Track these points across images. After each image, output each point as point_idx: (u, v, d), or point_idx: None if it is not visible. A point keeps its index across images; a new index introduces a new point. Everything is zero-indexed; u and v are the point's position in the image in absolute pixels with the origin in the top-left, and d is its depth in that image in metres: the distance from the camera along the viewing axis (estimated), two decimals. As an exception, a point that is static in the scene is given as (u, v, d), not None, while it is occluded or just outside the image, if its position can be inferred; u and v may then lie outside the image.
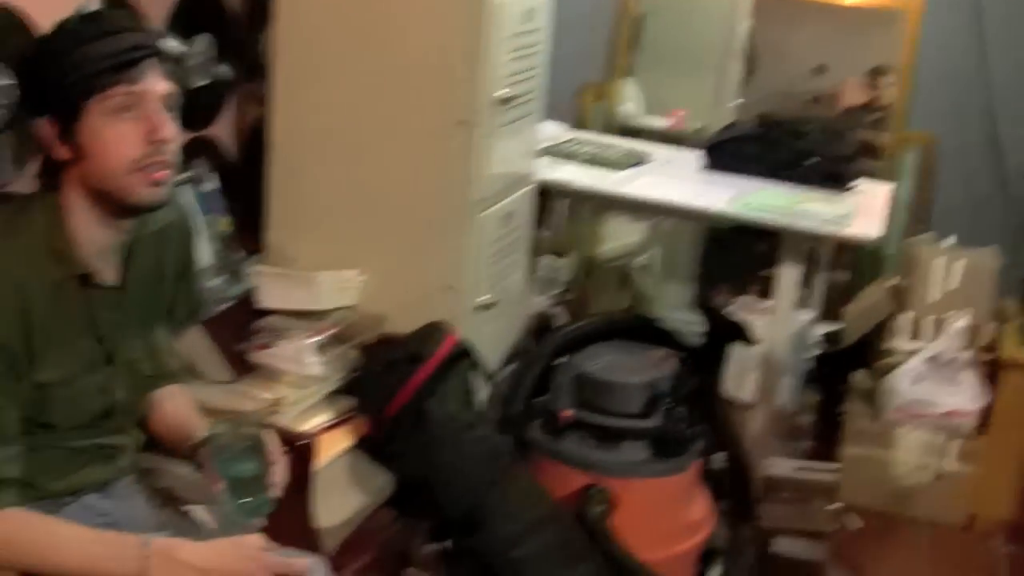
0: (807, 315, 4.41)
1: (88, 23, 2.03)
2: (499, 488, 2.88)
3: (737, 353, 3.66)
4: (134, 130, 1.98)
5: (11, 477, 1.96)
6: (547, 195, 3.73)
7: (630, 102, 5.05)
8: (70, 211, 2.04)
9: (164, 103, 2.02)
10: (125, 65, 1.96)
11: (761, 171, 4.06)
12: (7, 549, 1.94)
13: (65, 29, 2.04)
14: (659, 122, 5.03)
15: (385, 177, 3.13)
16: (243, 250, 3.31)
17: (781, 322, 3.80)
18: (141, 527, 2.19)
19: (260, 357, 2.91)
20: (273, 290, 3.11)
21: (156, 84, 2.00)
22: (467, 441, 2.88)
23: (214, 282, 3.08)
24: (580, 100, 4.93)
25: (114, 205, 2.03)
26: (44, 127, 2.02)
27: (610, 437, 3.16)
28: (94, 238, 2.06)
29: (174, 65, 2.14)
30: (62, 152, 2.01)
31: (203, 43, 3.30)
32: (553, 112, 3.58)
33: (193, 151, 3.22)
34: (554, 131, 4.13)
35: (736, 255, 4.64)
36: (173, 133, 2.03)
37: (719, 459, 3.49)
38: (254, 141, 3.57)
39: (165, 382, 2.37)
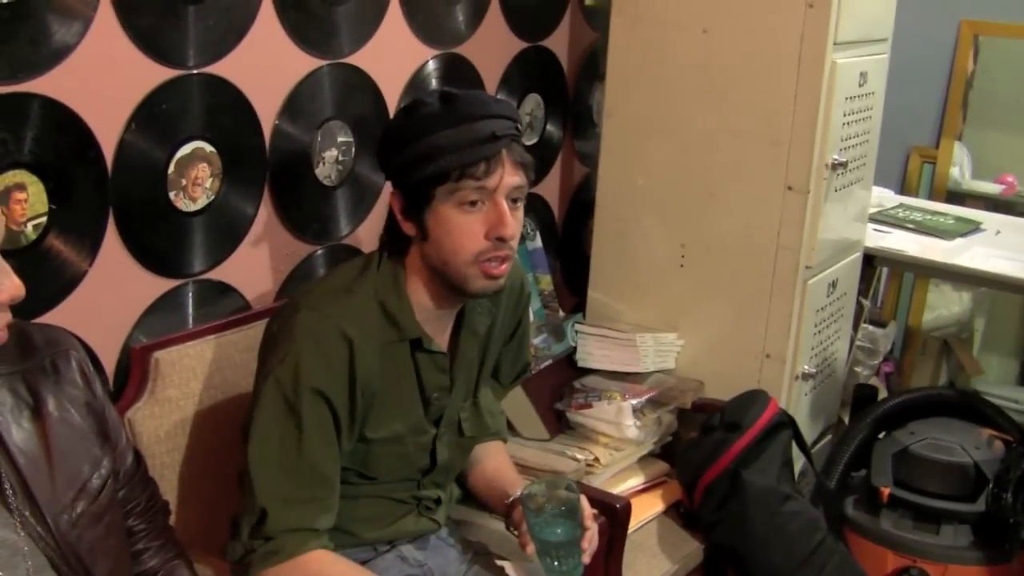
0: None
1: (445, 105, 1.98)
2: (814, 564, 2.79)
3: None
4: (478, 224, 1.96)
5: (320, 528, 1.98)
6: (869, 262, 3.62)
7: (958, 166, 4.85)
8: (409, 280, 2.06)
9: (511, 196, 1.98)
10: (476, 160, 1.93)
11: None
12: None
13: (420, 111, 2.00)
14: (989, 187, 4.81)
15: (709, 241, 3.11)
16: (563, 308, 3.34)
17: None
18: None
19: (577, 417, 2.93)
20: (593, 350, 3.14)
21: (506, 178, 1.95)
22: (783, 514, 2.80)
23: (536, 340, 3.11)
24: (908, 164, 4.78)
25: (450, 288, 2.04)
26: (393, 200, 2.05)
27: (930, 518, 3.04)
28: (428, 307, 2.08)
29: (526, 153, 2.03)
30: (407, 227, 2.02)
31: (533, 102, 3.37)
32: (878, 176, 3.47)
33: (521, 209, 3.27)
34: (880, 196, 4.01)
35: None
36: (516, 229, 1.98)
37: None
38: (577, 199, 3.62)
39: (486, 439, 2.40)
